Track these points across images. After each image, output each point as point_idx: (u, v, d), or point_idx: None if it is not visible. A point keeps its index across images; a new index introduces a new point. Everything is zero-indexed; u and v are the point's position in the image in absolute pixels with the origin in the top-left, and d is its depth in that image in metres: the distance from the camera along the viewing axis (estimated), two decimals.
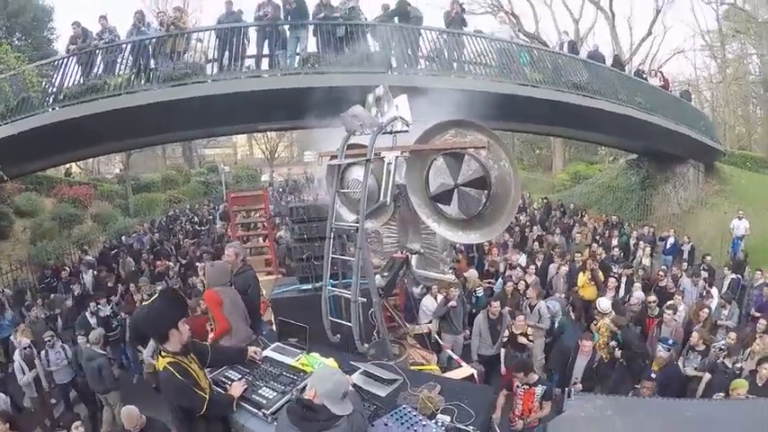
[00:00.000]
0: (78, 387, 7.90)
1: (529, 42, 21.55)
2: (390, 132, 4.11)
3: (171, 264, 12.60)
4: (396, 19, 10.79)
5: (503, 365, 7.20)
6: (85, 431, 5.42)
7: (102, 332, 7.83)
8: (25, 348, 7.51)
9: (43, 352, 7.59)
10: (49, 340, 7.63)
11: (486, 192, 3.77)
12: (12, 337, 8.31)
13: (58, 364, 7.61)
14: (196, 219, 21.61)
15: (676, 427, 2.31)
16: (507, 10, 28.82)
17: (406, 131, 4.12)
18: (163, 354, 2.96)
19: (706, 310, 7.72)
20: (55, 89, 10.19)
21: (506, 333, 7.23)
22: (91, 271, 12.17)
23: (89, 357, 7.27)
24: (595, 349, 6.63)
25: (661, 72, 17.65)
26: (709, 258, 11.02)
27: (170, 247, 15.24)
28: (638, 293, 8.61)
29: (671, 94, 16.25)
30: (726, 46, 29.16)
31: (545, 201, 20.18)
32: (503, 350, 7.27)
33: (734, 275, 10.18)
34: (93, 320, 8.62)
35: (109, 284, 10.90)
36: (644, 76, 15.60)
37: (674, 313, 7.41)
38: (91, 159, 34.11)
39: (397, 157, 4.02)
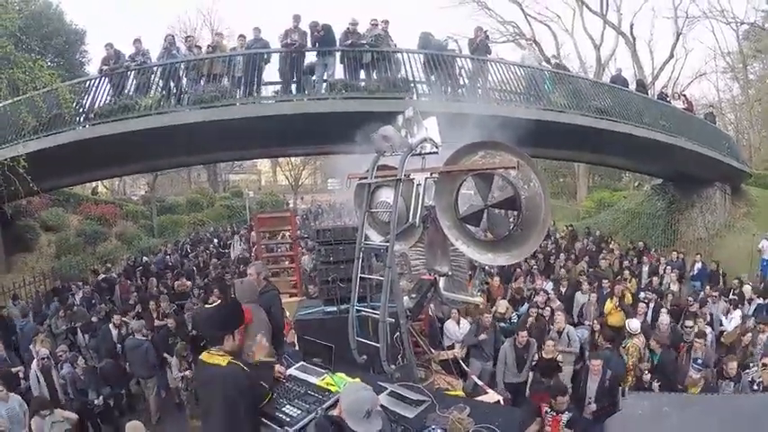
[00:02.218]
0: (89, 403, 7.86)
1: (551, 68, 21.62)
2: (420, 154, 4.14)
3: (190, 284, 12.71)
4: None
5: (527, 390, 7.07)
6: None
7: (143, 323, 8.63)
8: (43, 359, 7.50)
9: (58, 365, 7.65)
10: (62, 355, 7.72)
11: (515, 213, 3.75)
12: (30, 346, 8.42)
13: (69, 379, 7.66)
14: (217, 241, 21.76)
15: (730, 422, 2.34)
16: (529, 37, 29.05)
17: (436, 153, 4.14)
18: (220, 353, 3.06)
19: (749, 335, 7.52)
20: (86, 108, 10.51)
21: (535, 358, 7.11)
22: (117, 287, 12.41)
23: (134, 346, 7.95)
24: (605, 368, 6.49)
25: (684, 95, 17.50)
26: (736, 282, 10.84)
27: (192, 268, 15.40)
28: (664, 317, 8.42)
29: (695, 117, 16.02)
30: (747, 67, 28.87)
31: (570, 228, 19.98)
32: (530, 374, 7.16)
33: (760, 300, 9.86)
34: (115, 332, 8.75)
35: (130, 302, 11.05)
36: (667, 99, 15.47)
37: (704, 339, 7.22)
38: (117, 180, 35.09)
39: (426, 178, 4.03)
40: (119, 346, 8.57)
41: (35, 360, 7.64)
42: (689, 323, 7.87)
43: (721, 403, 2.63)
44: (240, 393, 3.01)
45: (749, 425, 2.30)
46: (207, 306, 3.28)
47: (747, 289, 10.07)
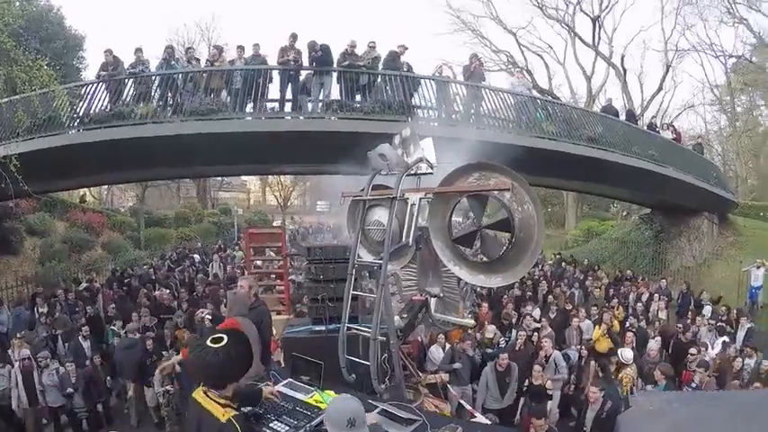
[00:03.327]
0: (69, 413, 7.84)
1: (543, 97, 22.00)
2: (415, 174, 4.17)
3: (173, 296, 12.63)
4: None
5: (518, 415, 7.04)
6: None
7: (137, 324, 9.07)
8: (24, 359, 7.51)
9: (36, 371, 7.61)
10: (42, 360, 7.63)
11: (509, 234, 3.78)
12: (9, 351, 8.39)
13: (48, 386, 7.60)
14: (201, 258, 21.56)
15: (735, 412, 2.48)
16: (521, 66, 29.57)
17: (431, 173, 4.17)
18: (220, 399, 2.54)
19: (739, 360, 7.65)
20: (82, 112, 10.47)
21: (516, 383, 7.07)
22: (99, 296, 12.32)
23: (128, 345, 8.14)
24: (606, 399, 6.41)
25: (673, 125, 17.85)
26: (723, 309, 11.12)
27: (175, 283, 15.20)
28: (652, 344, 8.45)
29: (684, 147, 16.34)
30: (735, 99, 29.62)
31: (558, 256, 20.08)
32: (522, 399, 7.11)
33: (750, 324, 10.09)
34: (86, 344, 8.75)
35: (109, 313, 10.98)
36: (656, 129, 15.75)
37: (706, 371, 7.20)
38: (105, 190, 34.83)
39: (421, 198, 4.05)
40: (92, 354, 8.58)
41: (16, 362, 7.62)
42: (693, 351, 7.89)
43: (727, 398, 2.77)
44: None
45: (754, 416, 2.45)
46: (211, 346, 2.48)
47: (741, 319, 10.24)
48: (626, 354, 7.37)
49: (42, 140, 10.05)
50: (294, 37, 10.69)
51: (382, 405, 3.48)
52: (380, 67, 10.90)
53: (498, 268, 3.96)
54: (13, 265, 15.36)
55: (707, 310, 11.63)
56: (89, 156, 10.34)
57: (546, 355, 7.84)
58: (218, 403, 2.49)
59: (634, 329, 9.40)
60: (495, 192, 3.82)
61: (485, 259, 3.96)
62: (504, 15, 31.47)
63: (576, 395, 7.80)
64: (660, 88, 30.01)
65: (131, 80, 10.53)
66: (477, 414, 6.53)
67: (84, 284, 14.00)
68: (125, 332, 8.86)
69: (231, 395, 2.55)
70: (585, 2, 28.75)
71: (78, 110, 10.54)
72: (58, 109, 10.04)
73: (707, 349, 8.73)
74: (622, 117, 14.55)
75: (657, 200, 17.28)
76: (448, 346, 7.95)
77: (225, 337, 2.50)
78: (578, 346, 8.96)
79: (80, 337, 8.88)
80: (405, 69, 10.87)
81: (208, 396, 2.53)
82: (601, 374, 7.53)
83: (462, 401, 7.33)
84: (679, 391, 2.70)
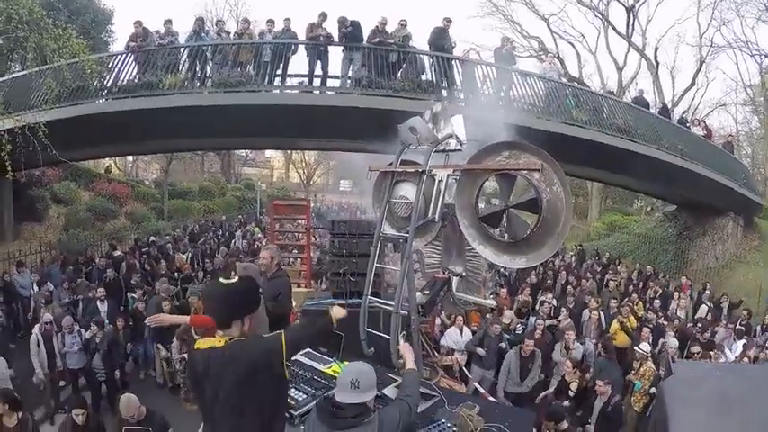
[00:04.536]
0: (88, 374, 8.00)
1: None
2: (444, 150, 4.13)
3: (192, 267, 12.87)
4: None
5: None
6: (89, 417, 5.38)
7: (167, 286, 9.65)
8: (46, 323, 7.69)
9: (60, 334, 7.78)
10: (69, 327, 7.78)
11: (536, 215, 3.72)
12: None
13: (72, 348, 7.75)
14: (222, 231, 21.87)
15: None
16: (552, 53, 29.03)
17: (460, 150, 4.12)
18: (218, 338, 2.60)
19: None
20: (110, 82, 10.64)
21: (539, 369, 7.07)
22: (123, 264, 12.57)
23: (158, 303, 8.60)
24: (614, 392, 6.39)
25: (704, 122, 17.42)
26: (745, 313, 10.75)
27: (197, 254, 15.48)
28: (672, 341, 8.32)
29: (714, 145, 15.98)
30: None
31: (579, 248, 19.86)
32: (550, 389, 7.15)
33: None
34: (102, 308, 8.98)
35: (132, 281, 11.11)
36: (687, 125, 15.41)
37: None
38: (131, 162, 35.35)
39: (449, 175, 4.01)
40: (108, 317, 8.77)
41: (38, 324, 7.81)
42: (695, 349, 7.76)
43: None
44: (253, 364, 2.52)
45: None
46: (222, 281, 2.65)
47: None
48: (644, 347, 7.29)
49: (71, 109, 10.24)
50: (324, 16, 10.64)
51: (400, 379, 3.50)
52: (417, 44, 10.85)
53: (523, 249, 3.90)
54: (37, 231, 15.79)
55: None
56: (116, 125, 10.50)
57: (567, 347, 7.81)
58: (215, 340, 2.59)
59: (651, 326, 9.27)
60: (524, 171, 3.76)
61: (509, 239, 3.90)
62: (536, 1, 30.57)
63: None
64: (693, 84, 29.33)
65: (160, 51, 10.59)
66: (491, 398, 6.53)
67: (117, 252, 14.25)
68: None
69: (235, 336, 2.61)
70: None
71: (107, 81, 10.68)
72: (87, 78, 10.14)
73: (723, 351, 8.61)
74: (653, 111, 14.22)
75: (683, 197, 16.93)
76: (473, 328, 7.95)
77: (236, 278, 2.70)
78: (593, 340, 8.89)
79: (97, 301, 9.09)
80: (451, 44, 10.83)
81: (204, 340, 2.64)
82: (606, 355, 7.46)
83: (477, 385, 7.36)
84: (722, 363, 2.65)
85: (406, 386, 2.76)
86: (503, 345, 7.80)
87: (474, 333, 8.12)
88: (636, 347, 7.46)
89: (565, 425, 5.47)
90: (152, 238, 17.46)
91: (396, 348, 3.87)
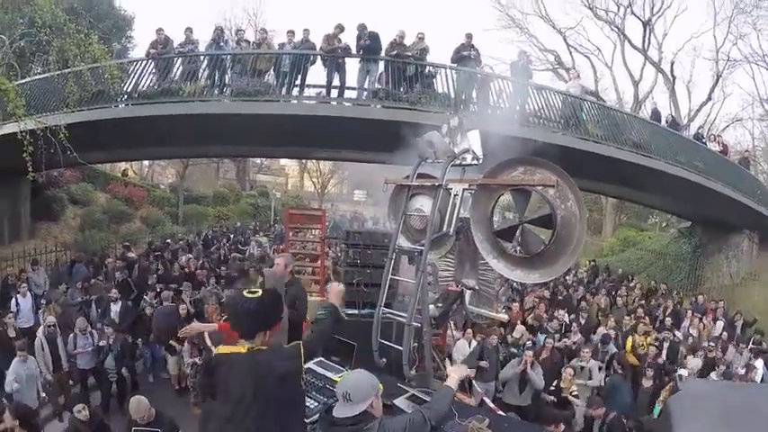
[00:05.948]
0: (98, 374, 8.10)
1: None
2: (460, 165, 4.17)
3: (204, 272, 12.93)
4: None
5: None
6: (95, 416, 5.43)
7: (171, 293, 9.57)
8: (49, 326, 7.74)
9: (72, 335, 7.87)
10: (83, 329, 7.90)
11: (551, 231, 3.75)
12: (40, 312, 8.90)
13: (85, 349, 7.88)
14: (240, 238, 21.98)
15: None
16: (570, 67, 28.96)
17: (476, 164, 4.16)
18: (242, 346, 2.68)
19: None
20: (131, 88, 10.82)
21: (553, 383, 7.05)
22: (136, 266, 12.74)
23: (167, 312, 8.84)
24: (608, 410, 6.37)
25: (720, 137, 17.25)
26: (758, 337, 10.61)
27: (209, 260, 15.57)
28: (694, 362, 8.26)
29: (730, 161, 15.83)
30: None
31: (592, 263, 19.72)
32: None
33: None
34: (114, 308, 9.19)
35: (149, 282, 11.23)
36: (703, 140, 15.25)
37: None
38: (147, 166, 35.74)
39: (464, 189, 4.05)
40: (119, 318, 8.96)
41: (41, 327, 7.90)
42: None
43: None
44: (273, 372, 2.61)
45: None
46: (247, 295, 2.73)
47: None
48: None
49: (92, 112, 10.41)
50: (341, 28, 10.71)
51: (412, 390, 3.54)
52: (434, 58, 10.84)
53: (537, 265, 3.93)
54: (53, 231, 16.07)
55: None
56: (135, 130, 10.68)
57: (582, 365, 7.77)
58: (238, 347, 2.66)
59: (657, 344, 9.18)
60: (540, 187, 3.79)
61: (523, 254, 3.93)
62: (553, 14, 30.53)
63: None
64: (709, 98, 28.95)
65: (180, 59, 10.79)
66: (499, 412, 6.52)
67: (130, 254, 14.44)
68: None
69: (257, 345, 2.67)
70: (636, 4, 27.90)
71: (126, 86, 10.87)
72: (108, 83, 10.32)
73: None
74: (663, 123, 14.14)
75: (699, 213, 16.77)
76: (475, 341, 7.95)
77: (260, 291, 2.75)
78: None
79: (111, 303, 9.27)
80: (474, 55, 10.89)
81: (228, 346, 2.74)
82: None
83: (485, 398, 7.35)
84: (727, 381, 2.65)
85: (433, 400, 2.78)
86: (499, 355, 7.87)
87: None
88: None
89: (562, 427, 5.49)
90: (167, 241, 17.65)
91: (408, 359, 3.92)
